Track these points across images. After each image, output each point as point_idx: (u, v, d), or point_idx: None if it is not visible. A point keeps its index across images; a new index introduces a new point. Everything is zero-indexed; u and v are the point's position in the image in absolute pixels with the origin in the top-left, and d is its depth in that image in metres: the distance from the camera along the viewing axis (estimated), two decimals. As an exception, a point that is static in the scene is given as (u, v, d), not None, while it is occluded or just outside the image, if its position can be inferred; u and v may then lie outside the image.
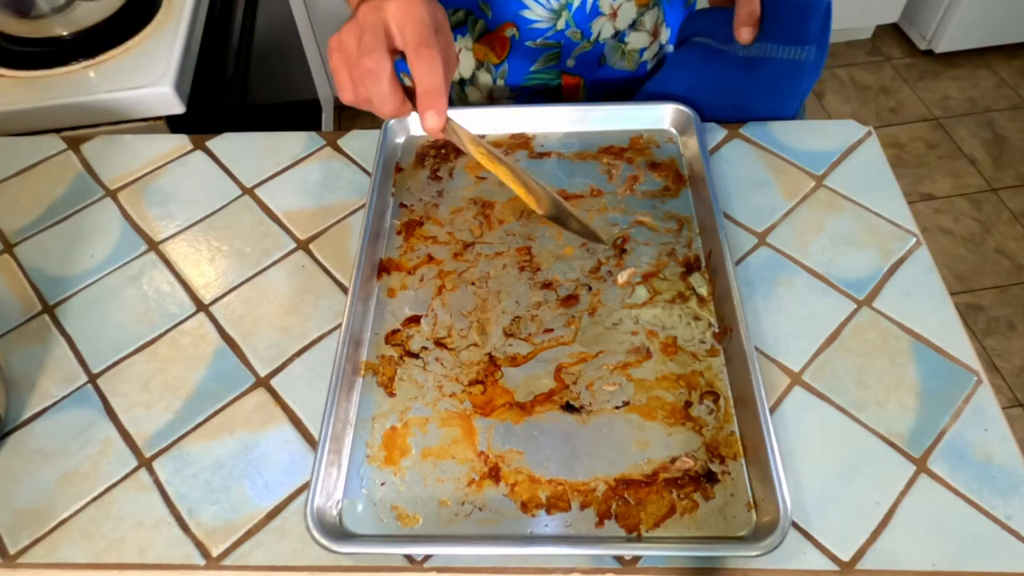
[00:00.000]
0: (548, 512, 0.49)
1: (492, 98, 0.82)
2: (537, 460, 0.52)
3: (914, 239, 0.64)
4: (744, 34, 0.62)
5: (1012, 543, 0.48)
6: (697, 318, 0.59)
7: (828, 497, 0.50)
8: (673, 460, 0.51)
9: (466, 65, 0.80)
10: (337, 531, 0.49)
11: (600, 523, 0.49)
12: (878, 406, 0.54)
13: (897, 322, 0.59)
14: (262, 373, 0.57)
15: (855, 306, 0.60)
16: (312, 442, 0.54)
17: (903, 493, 0.50)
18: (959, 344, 0.57)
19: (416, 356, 0.57)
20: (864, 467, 0.51)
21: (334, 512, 0.49)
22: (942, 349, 0.57)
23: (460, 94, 0.83)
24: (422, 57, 0.46)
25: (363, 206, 0.67)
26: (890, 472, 0.51)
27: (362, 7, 0.48)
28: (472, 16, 0.75)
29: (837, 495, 0.50)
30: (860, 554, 0.48)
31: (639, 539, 0.48)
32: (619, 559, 0.48)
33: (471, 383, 0.55)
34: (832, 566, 0.48)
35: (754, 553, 0.46)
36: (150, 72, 0.89)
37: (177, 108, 0.89)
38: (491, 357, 0.57)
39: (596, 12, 0.73)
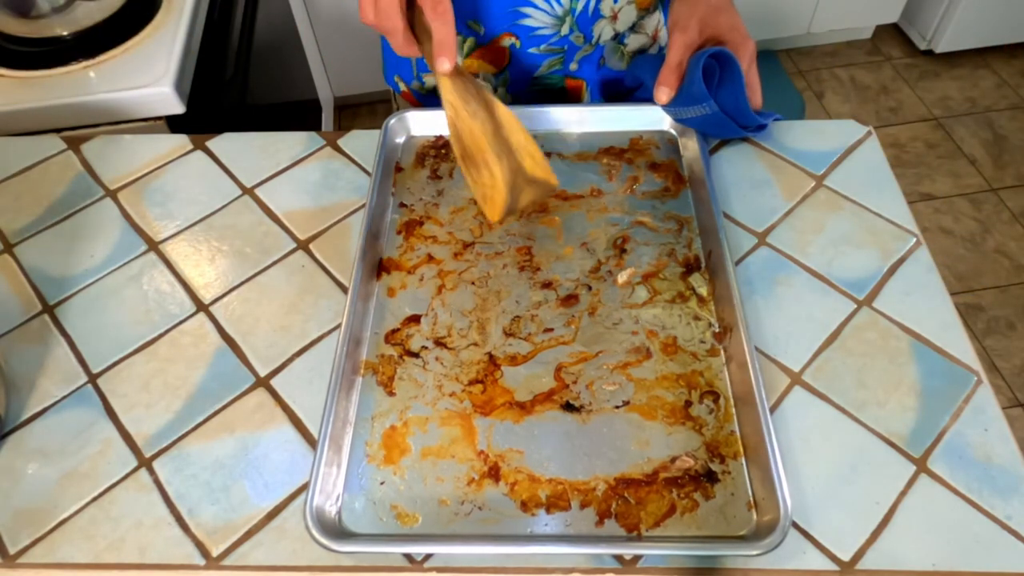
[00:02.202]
0: (548, 511, 0.49)
1: None
2: (537, 459, 0.52)
3: (914, 239, 0.64)
4: (659, 94, 0.67)
5: (1012, 543, 0.48)
6: (697, 318, 0.59)
7: (828, 497, 0.50)
8: (673, 459, 0.51)
9: None
10: (336, 530, 0.49)
11: (600, 522, 0.49)
12: (878, 406, 0.54)
13: (897, 322, 0.59)
14: (262, 373, 0.57)
15: (855, 306, 0.60)
16: (312, 442, 0.54)
17: (903, 493, 0.50)
18: (959, 344, 0.57)
19: (416, 355, 0.57)
20: (864, 467, 0.51)
21: (333, 511, 0.49)
22: (942, 349, 0.57)
23: None
24: (438, 14, 0.54)
25: (363, 206, 0.67)
26: (890, 472, 0.51)
27: None
28: (460, 36, 0.75)
29: (837, 495, 0.50)
30: (860, 554, 0.48)
31: (639, 538, 0.48)
32: (619, 559, 0.48)
33: (471, 382, 0.55)
34: (832, 566, 0.48)
35: (754, 552, 0.46)
36: (150, 72, 0.89)
37: (177, 108, 0.89)
38: (491, 356, 0.57)
39: (597, 15, 0.73)
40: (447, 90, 0.58)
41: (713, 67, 0.64)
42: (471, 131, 0.58)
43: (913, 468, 0.51)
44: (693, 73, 0.64)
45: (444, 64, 0.56)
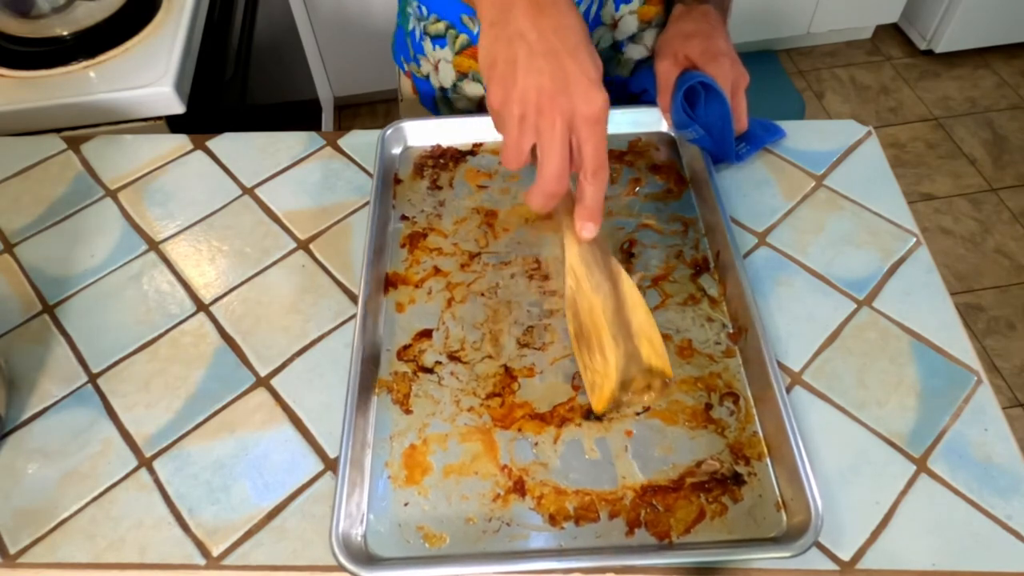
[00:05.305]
0: (577, 524, 0.49)
1: (481, 107, 0.81)
2: (561, 471, 0.51)
3: (914, 239, 0.64)
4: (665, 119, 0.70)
5: (1012, 543, 0.48)
6: (710, 319, 0.58)
7: (828, 497, 0.50)
8: (699, 464, 0.51)
9: (446, 76, 0.79)
10: (364, 556, 0.47)
11: (630, 532, 0.48)
12: (878, 406, 0.54)
13: (897, 322, 0.59)
14: (262, 373, 0.57)
15: (855, 306, 0.60)
16: (312, 442, 0.54)
17: (903, 493, 0.50)
18: (959, 344, 0.57)
19: (430, 371, 0.56)
20: (864, 467, 0.51)
21: (359, 536, 0.48)
22: (942, 349, 0.57)
23: (444, 100, 0.82)
24: (597, 179, 0.48)
25: (364, 205, 0.67)
26: (890, 472, 0.51)
27: (540, 84, 0.45)
28: (453, 30, 0.75)
29: (837, 495, 0.50)
30: (860, 554, 0.48)
31: (671, 546, 0.48)
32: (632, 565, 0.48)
33: (488, 396, 0.55)
34: (832, 566, 0.48)
35: (787, 554, 0.45)
36: (150, 72, 0.89)
37: (177, 108, 0.89)
38: (507, 368, 0.56)
39: (597, 21, 0.73)
40: (573, 255, 0.53)
41: (698, 92, 0.65)
42: (591, 308, 0.52)
43: (913, 468, 0.51)
44: (674, 101, 0.65)
45: (591, 230, 0.51)
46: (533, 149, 0.47)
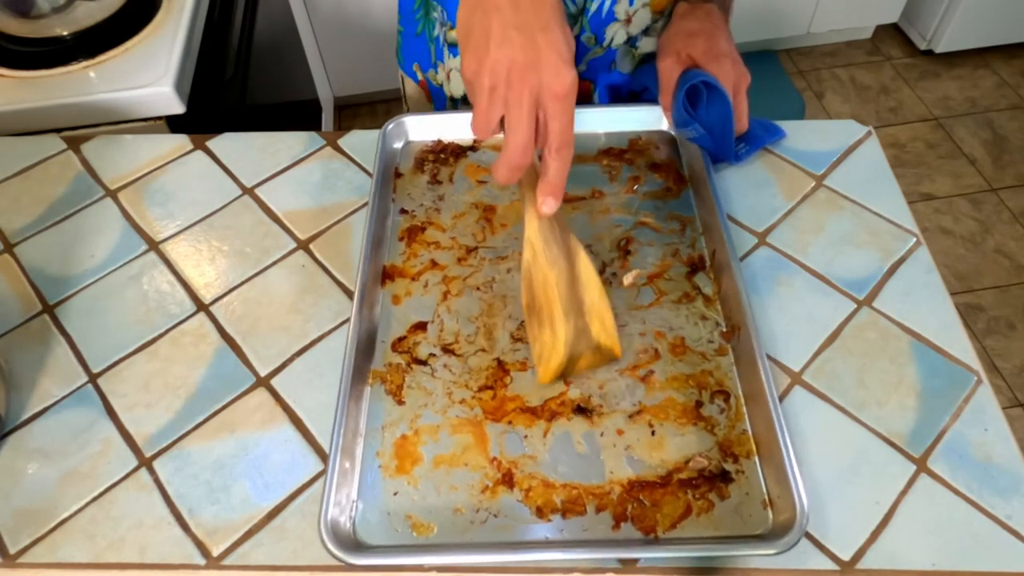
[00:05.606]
0: (564, 517, 0.49)
1: None
2: (550, 465, 0.51)
3: (914, 239, 0.64)
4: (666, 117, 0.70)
5: (1012, 543, 0.48)
6: (704, 318, 0.58)
7: (828, 496, 0.50)
8: (687, 460, 0.51)
9: (457, 87, 0.79)
10: (352, 543, 0.48)
11: (617, 526, 0.49)
12: (878, 406, 0.54)
13: (897, 322, 0.59)
14: (262, 373, 0.57)
15: (855, 306, 0.60)
16: (313, 442, 0.54)
17: (903, 493, 0.50)
18: (959, 344, 0.57)
19: (424, 363, 0.57)
20: (864, 467, 0.51)
21: (347, 523, 0.49)
22: (942, 349, 0.57)
23: (454, 109, 0.82)
24: (561, 156, 0.49)
25: (363, 205, 0.67)
26: (890, 472, 0.51)
27: (512, 55, 0.46)
28: None
29: (837, 495, 0.50)
30: (860, 554, 0.48)
31: (656, 541, 0.48)
32: (619, 558, 0.48)
33: (481, 389, 0.55)
34: (832, 566, 0.48)
35: (772, 551, 0.46)
36: (150, 72, 0.89)
37: (177, 108, 0.89)
38: (500, 362, 0.56)
39: (611, 17, 0.73)
40: (532, 229, 0.52)
41: (700, 91, 0.65)
42: (545, 281, 0.52)
43: (913, 468, 0.51)
44: (676, 99, 0.65)
45: (551, 205, 0.50)
46: (502, 121, 0.48)
